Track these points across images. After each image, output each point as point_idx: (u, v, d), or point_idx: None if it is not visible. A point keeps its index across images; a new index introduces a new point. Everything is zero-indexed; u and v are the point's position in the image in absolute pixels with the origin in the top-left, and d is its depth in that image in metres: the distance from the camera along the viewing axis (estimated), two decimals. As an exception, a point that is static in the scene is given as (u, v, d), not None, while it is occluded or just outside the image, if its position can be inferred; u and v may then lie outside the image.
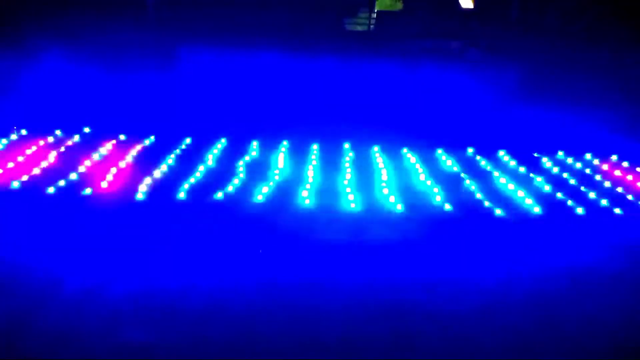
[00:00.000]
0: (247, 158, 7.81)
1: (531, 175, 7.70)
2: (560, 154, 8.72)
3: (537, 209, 6.56)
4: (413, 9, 11.36)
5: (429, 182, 7.19)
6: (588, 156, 8.71)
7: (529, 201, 6.73)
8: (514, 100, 9.47)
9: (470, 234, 5.96)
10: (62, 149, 7.78)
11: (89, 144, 8.02)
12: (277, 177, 7.14)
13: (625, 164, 8.47)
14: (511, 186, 7.19)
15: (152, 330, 4.16)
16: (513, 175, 7.70)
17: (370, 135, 8.83)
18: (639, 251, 5.88)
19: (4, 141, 7.93)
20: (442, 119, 9.23)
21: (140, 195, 6.40)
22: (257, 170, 7.40)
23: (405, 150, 8.52)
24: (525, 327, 4.48)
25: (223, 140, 8.48)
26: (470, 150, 8.66)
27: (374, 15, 11.36)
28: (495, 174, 7.67)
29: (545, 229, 6.20)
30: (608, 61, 9.72)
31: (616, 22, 10.10)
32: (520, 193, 6.95)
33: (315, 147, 8.40)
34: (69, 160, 7.38)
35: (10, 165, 7.09)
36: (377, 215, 6.28)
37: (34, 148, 7.72)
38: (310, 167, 7.53)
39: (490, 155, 8.52)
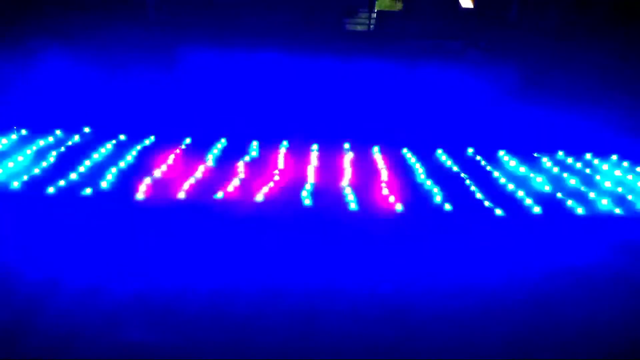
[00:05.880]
0: (247, 158, 7.81)
1: (531, 175, 7.70)
2: (560, 153, 8.72)
3: (537, 209, 6.56)
4: (413, 9, 11.35)
5: (429, 182, 7.19)
6: (588, 156, 8.71)
7: (529, 201, 6.73)
8: (514, 100, 9.47)
9: (470, 234, 5.96)
10: (62, 149, 7.78)
11: (89, 144, 8.02)
12: (277, 177, 7.14)
13: (625, 163, 8.47)
14: (511, 186, 7.19)
15: (152, 330, 4.17)
16: (513, 175, 7.70)
17: (370, 135, 8.83)
18: (639, 251, 5.88)
19: (4, 141, 7.93)
20: (442, 119, 9.23)
21: (140, 195, 6.40)
22: (257, 170, 7.40)
23: (405, 150, 8.52)
24: (525, 326, 4.48)
25: (223, 140, 8.48)
26: (470, 150, 8.66)
27: (374, 15, 11.36)
28: (495, 173, 7.67)
29: (545, 228, 6.20)
30: (608, 61, 9.72)
31: (616, 22, 10.10)
32: (520, 193, 6.95)
33: (315, 147, 8.40)
34: (69, 160, 7.38)
35: (11, 165, 7.10)
36: (377, 215, 6.28)
37: (34, 148, 7.72)
38: (310, 167, 7.53)
39: (490, 155, 8.52)
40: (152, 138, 8.42)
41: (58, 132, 8.43)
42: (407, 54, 10.13)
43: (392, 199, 6.63)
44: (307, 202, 6.44)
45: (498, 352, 4.19)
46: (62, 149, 7.78)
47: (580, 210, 6.60)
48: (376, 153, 8.36)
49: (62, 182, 6.58)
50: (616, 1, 10.50)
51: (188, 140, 8.39)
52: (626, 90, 9.46)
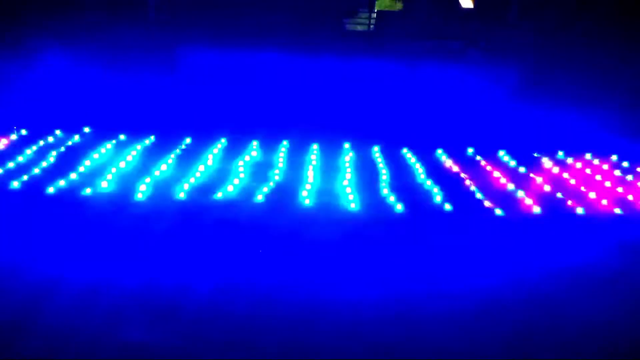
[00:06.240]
0: (247, 158, 7.81)
1: (531, 175, 7.70)
2: (560, 153, 8.72)
3: (537, 209, 6.55)
4: (413, 9, 11.36)
5: (429, 182, 7.19)
6: (588, 156, 8.70)
7: (528, 201, 6.73)
8: (514, 100, 9.46)
9: (470, 234, 5.95)
10: (62, 149, 7.78)
11: (89, 144, 8.02)
12: (277, 177, 7.14)
13: (625, 163, 8.47)
14: (511, 186, 7.19)
15: (151, 330, 4.16)
16: (513, 175, 7.70)
17: (370, 135, 8.82)
18: (639, 251, 5.88)
19: (4, 141, 7.93)
20: (442, 119, 9.23)
21: (140, 195, 6.40)
22: (257, 170, 7.40)
23: (405, 150, 8.52)
24: (524, 327, 4.47)
25: (223, 140, 8.47)
26: (470, 150, 8.66)
27: (374, 15, 11.37)
28: (495, 173, 7.67)
29: (545, 228, 6.19)
30: (608, 61, 9.72)
31: (616, 22, 10.10)
32: (520, 193, 6.95)
33: (315, 147, 8.40)
34: (69, 160, 7.38)
35: (10, 165, 7.10)
36: (377, 215, 6.28)
37: (34, 148, 7.72)
38: (310, 167, 7.53)
39: (490, 155, 8.51)
40: (152, 138, 8.42)
41: (58, 132, 8.43)
42: (407, 54, 10.13)
43: (392, 199, 6.62)
44: (307, 202, 6.44)
45: (498, 352, 4.17)
46: (62, 148, 7.78)
47: (580, 210, 6.59)
48: (376, 153, 8.36)
49: (62, 182, 6.58)
50: (616, 1, 10.49)
51: (188, 140, 8.39)
52: (626, 90, 9.46)
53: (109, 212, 5.99)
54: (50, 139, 8.16)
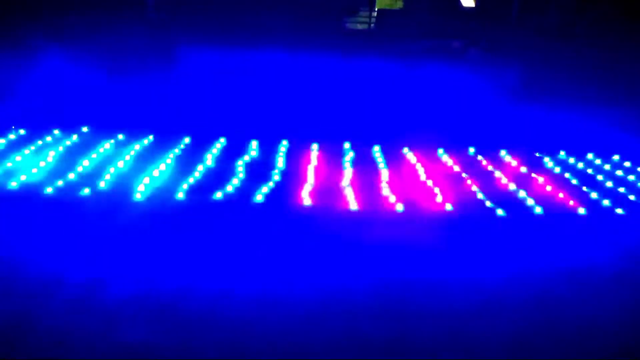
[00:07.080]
0: (246, 158, 7.77)
1: (533, 175, 7.66)
2: (562, 153, 8.68)
3: (538, 209, 6.52)
4: (414, 8, 11.35)
5: (429, 182, 7.15)
6: (590, 156, 8.67)
7: (530, 201, 6.69)
8: (515, 100, 9.44)
9: (472, 234, 5.92)
10: (61, 148, 7.74)
11: (88, 144, 7.98)
12: (276, 177, 7.10)
13: (627, 163, 8.43)
14: (512, 186, 7.15)
15: (151, 331, 4.13)
16: (514, 175, 7.66)
17: (371, 134, 8.79)
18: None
19: (2, 141, 7.90)
20: (443, 118, 9.19)
21: (138, 196, 6.36)
22: (257, 170, 7.36)
23: (405, 149, 8.48)
24: (525, 327, 4.44)
25: (222, 139, 8.44)
26: (471, 149, 8.63)
27: (375, 14, 11.35)
28: (497, 173, 7.63)
29: (547, 229, 6.16)
30: (610, 60, 9.69)
31: (617, 21, 10.08)
32: (522, 193, 6.91)
33: (315, 146, 8.36)
34: (67, 160, 7.34)
35: (9, 165, 7.06)
36: (377, 215, 6.24)
37: (32, 148, 7.68)
38: (310, 167, 7.50)
39: (492, 155, 8.48)
40: (151, 137, 8.38)
41: (56, 131, 8.40)
42: (408, 53, 10.10)
43: (392, 199, 6.59)
44: (307, 202, 6.40)
45: (498, 352, 4.15)
46: (60, 148, 7.74)
47: (582, 211, 6.56)
48: (377, 152, 8.33)
49: (60, 182, 6.54)
50: (617, 0, 10.47)
51: (187, 140, 8.36)
52: (628, 90, 9.43)
53: (107, 213, 5.96)
54: (49, 139, 8.13)
